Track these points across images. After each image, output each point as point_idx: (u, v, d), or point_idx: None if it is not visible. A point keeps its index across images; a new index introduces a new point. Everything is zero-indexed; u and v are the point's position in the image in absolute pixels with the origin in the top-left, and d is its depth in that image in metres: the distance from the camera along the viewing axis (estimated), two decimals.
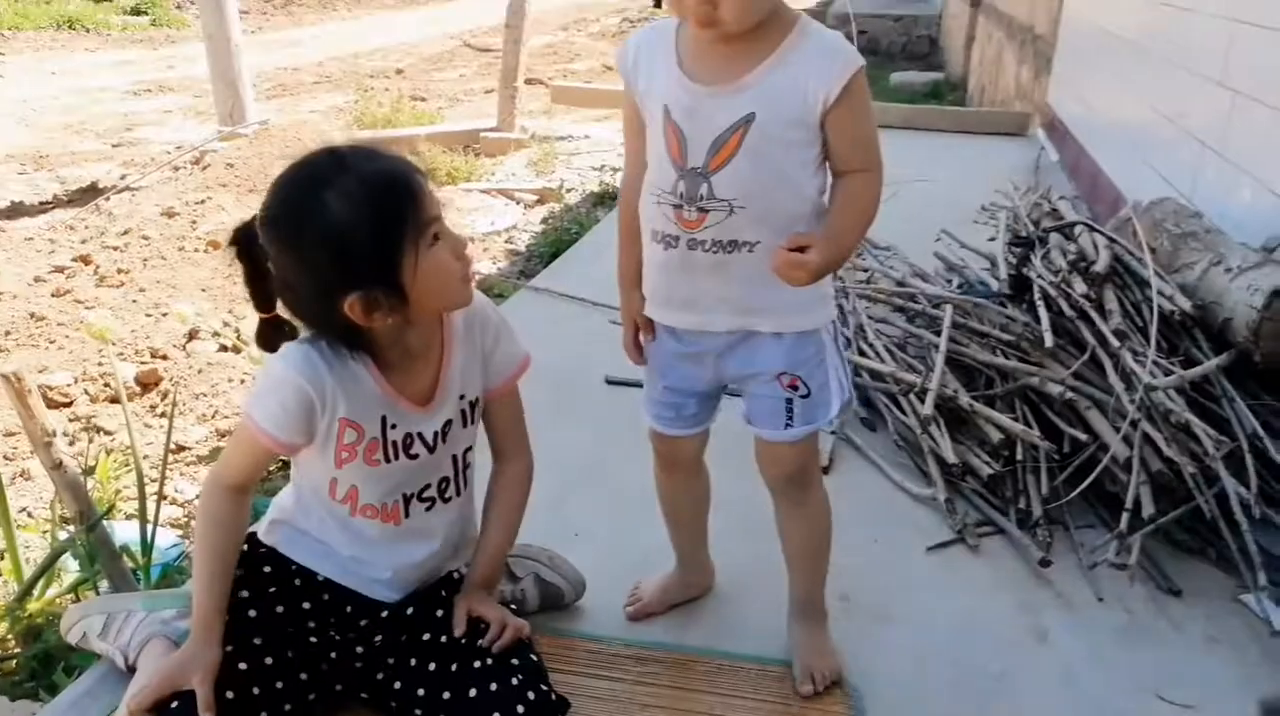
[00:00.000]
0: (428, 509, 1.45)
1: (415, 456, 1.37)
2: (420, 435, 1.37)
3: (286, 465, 2.77)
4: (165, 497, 2.67)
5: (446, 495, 1.46)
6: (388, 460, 1.35)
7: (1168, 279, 2.41)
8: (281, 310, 1.29)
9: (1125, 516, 1.97)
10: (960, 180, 4.70)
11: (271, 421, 1.27)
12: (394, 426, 1.33)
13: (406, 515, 1.42)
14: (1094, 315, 2.36)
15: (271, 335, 1.31)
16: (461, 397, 1.42)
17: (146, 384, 3.45)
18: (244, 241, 1.25)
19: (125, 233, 5.00)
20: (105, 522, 2.10)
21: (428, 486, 1.43)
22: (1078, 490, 2.11)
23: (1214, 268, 2.34)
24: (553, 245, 4.47)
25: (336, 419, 1.28)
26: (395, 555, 1.46)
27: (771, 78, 1.33)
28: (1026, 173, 4.94)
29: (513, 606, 1.59)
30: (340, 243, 1.17)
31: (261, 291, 1.28)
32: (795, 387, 1.51)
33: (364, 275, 1.19)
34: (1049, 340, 2.32)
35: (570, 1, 20.38)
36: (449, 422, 1.40)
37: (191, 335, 3.75)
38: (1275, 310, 2.09)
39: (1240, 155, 2.87)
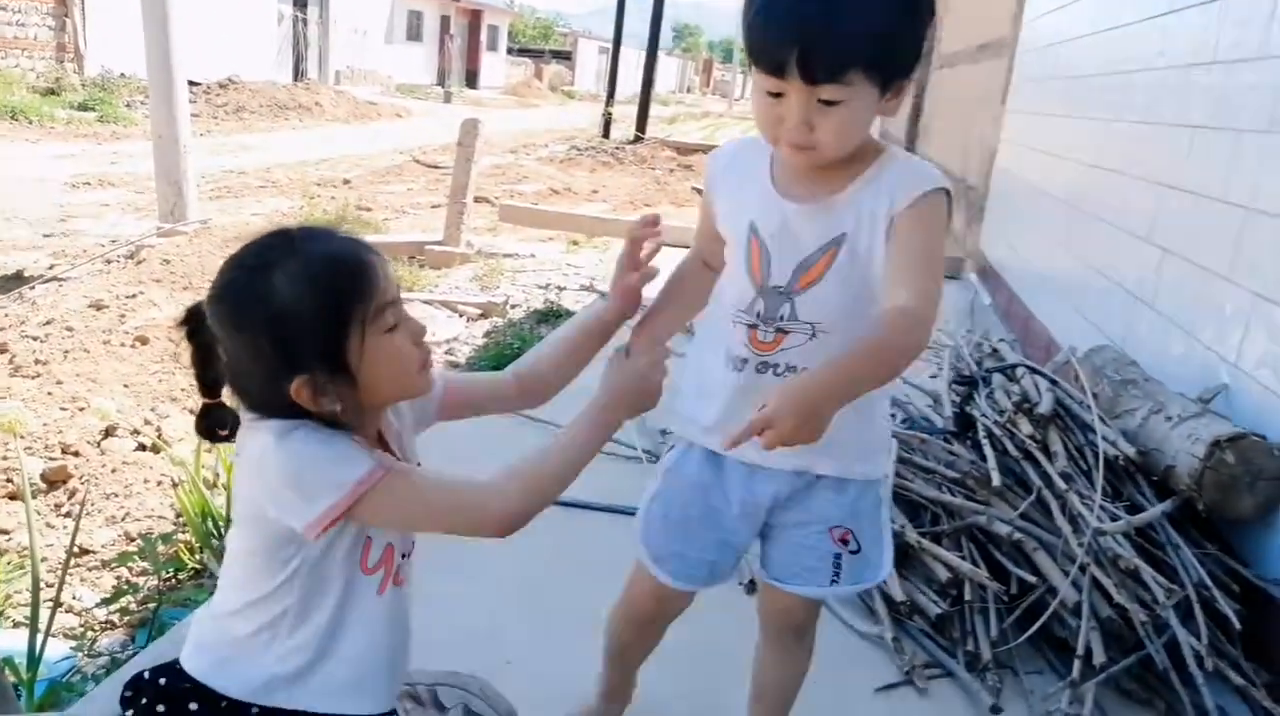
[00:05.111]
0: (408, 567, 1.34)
1: None
2: None
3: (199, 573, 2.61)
4: (61, 605, 2.46)
5: (410, 553, 1.36)
6: None
7: (1110, 424, 2.44)
8: (227, 397, 1.21)
9: (1077, 663, 1.93)
10: None
11: (366, 463, 1.12)
12: None
13: (406, 576, 1.31)
14: (1039, 456, 2.38)
15: (212, 422, 1.22)
16: (418, 464, 1.35)
17: (53, 481, 3.25)
18: (194, 322, 1.18)
19: (47, 323, 4.82)
20: None
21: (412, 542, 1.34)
22: (1027, 634, 2.07)
23: (1155, 415, 2.38)
24: (494, 359, 4.41)
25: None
26: (405, 648, 1.33)
27: (862, 195, 1.26)
28: (962, 314, 5.09)
29: None
30: (282, 323, 1.11)
31: (207, 375, 1.20)
32: (846, 542, 1.40)
33: (308, 358, 1.12)
34: (996, 479, 2.32)
35: (519, 127, 20.99)
36: None
37: (108, 432, 3.56)
38: (1217, 460, 2.12)
39: (1171, 309, 2.98)
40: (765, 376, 1.33)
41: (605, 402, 1.28)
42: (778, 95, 1.20)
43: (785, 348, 1.31)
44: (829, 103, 1.17)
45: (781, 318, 1.31)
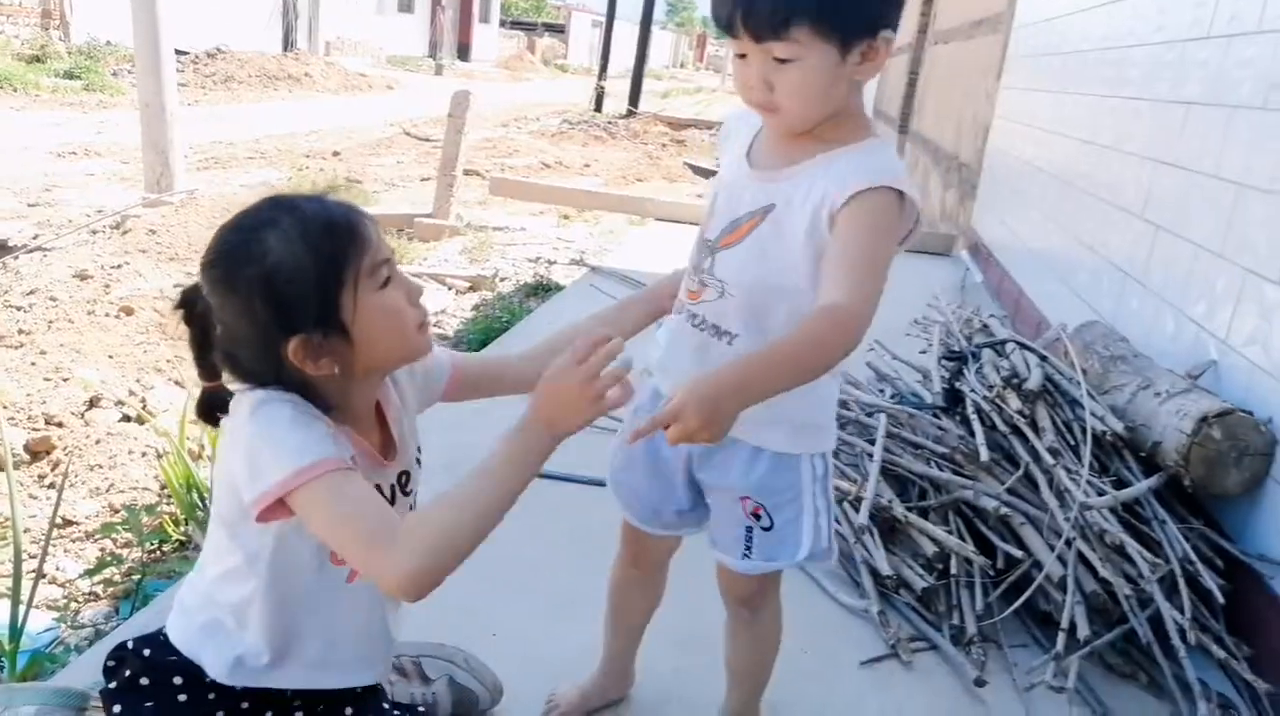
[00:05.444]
0: None
1: None
2: (390, 487, 1.27)
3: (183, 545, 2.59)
4: (44, 576, 2.45)
5: None
6: None
7: (1099, 400, 2.44)
8: (226, 380, 1.19)
9: (1061, 637, 1.94)
10: (890, 294, 4.78)
11: (328, 451, 1.08)
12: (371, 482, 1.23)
13: None
14: (1028, 432, 2.37)
15: (214, 407, 1.21)
16: (419, 449, 1.35)
17: (37, 452, 3.22)
18: (190, 303, 1.17)
19: (31, 293, 4.77)
20: None
21: None
22: (1012, 607, 2.08)
23: (1143, 391, 2.38)
24: (482, 332, 4.39)
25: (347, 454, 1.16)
26: (384, 627, 1.33)
27: (807, 175, 1.26)
28: (953, 291, 5.07)
29: (423, 711, 1.46)
30: (276, 281, 1.10)
31: (206, 358, 1.18)
32: (757, 516, 1.39)
33: (303, 316, 1.11)
34: (984, 454, 2.31)
35: (511, 100, 20.84)
36: (404, 473, 1.31)
37: (92, 403, 3.53)
38: (1204, 436, 2.12)
39: (1161, 285, 2.97)
40: (687, 326, 1.38)
41: (524, 422, 1.12)
42: (744, 57, 1.23)
43: (703, 300, 1.36)
44: (784, 61, 1.19)
45: (704, 270, 1.35)
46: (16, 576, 2.10)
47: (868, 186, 1.18)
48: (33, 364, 3.86)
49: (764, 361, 1.11)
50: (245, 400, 1.14)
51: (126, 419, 3.46)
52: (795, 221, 1.25)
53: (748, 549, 1.41)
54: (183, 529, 2.65)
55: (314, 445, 1.09)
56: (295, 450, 1.08)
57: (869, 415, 2.76)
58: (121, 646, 1.28)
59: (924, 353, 3.22)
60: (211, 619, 1.23)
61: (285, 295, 1.11)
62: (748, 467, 1.37)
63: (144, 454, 3.22)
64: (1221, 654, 1.97)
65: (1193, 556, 2.06)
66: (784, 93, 1.21)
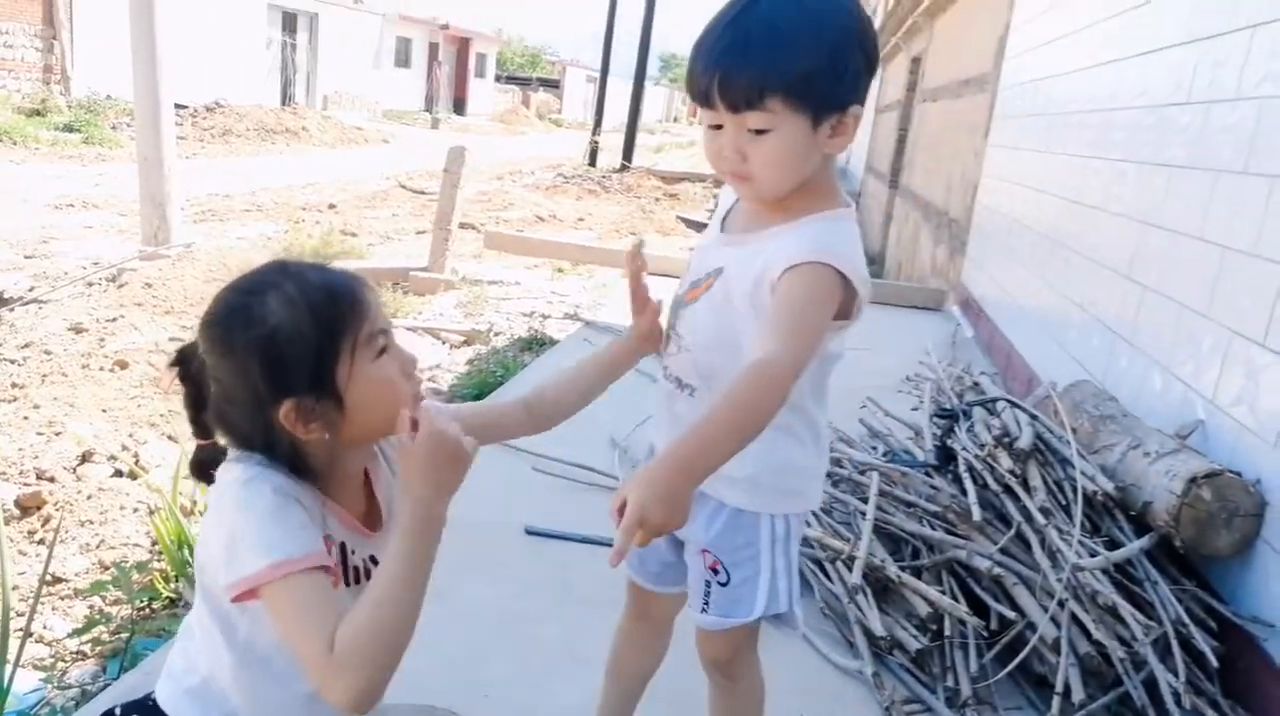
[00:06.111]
0: None
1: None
2: (372, 558, 1.26)
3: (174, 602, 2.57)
4: (31, 635, 2.42)
5: None
6: (347, 585, 1.21)
7: (1089, 459, 2.46)
8: (219, 438, 1.20)
9: (1056, 701, 1.93)
10: (882, 350, 4.83)
11: (305, 545, 1.07)
12: (354, 552, 1.22)
13: None
14: (1019, 491, 2.39)
15: (206, 465, 1.20)
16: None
17: (28, 507, 3.21)
18: (185, 361, 1.18)
19: (26, 346, 4.77)
20: None
21: None
22: (1006, 670, 2.07)
23: (1133, 451, 2.40)
24: (477, 387, 4.41)
25: (322, 536, 1.15)
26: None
27: (757, 242, 1.30)
28: (944, 346, 5.11)
29: None
30: (272, 345, 1.11)
31: (200, 417, 1.19)
32: (715, 571, 1.41)
33: (298, 380, 1.12)
34: (977, 513, 2.32)
35: (506, 154, 21.09)
36: None
37: (85, 458, 3.52)
38: (1194, 497, 2.13)
39: (1149, 345, 3.00)
40: (662, 377, 1.44)
41: (411, 499, 1.12)
42: (718, 128, 1.27)
43: (671, 354, 1.42)
44: (759, 132, 1.23)
45: (672, 325, 1.41)
46: (4, 635, 2.09)
47: (806, 260, 1.21)
48: (25, 418, 3.85)
49: (700, 436, 1.12)
50: (230, 474, 1.14)
51: (119, 474, 3.45)
52: (739, 285, 1.30)
53: (706, 603, 1.43)
54: (173, 586, 2.63)
55: (291, 539, 1.08)
56: (272, 543, 1.07)
57: (861, 473, 2.77)
58: (109, 713, 1.27)
59: (916, 410, 3.25)
60: (198, 682, 1.22)
61: (283, 359, 1.12)
62: (709, 521, 1.41)
63: (135, 509, 3.21)
64: None
65: (1185, 618, 2.06)
66: (758, 162, 1.25)
